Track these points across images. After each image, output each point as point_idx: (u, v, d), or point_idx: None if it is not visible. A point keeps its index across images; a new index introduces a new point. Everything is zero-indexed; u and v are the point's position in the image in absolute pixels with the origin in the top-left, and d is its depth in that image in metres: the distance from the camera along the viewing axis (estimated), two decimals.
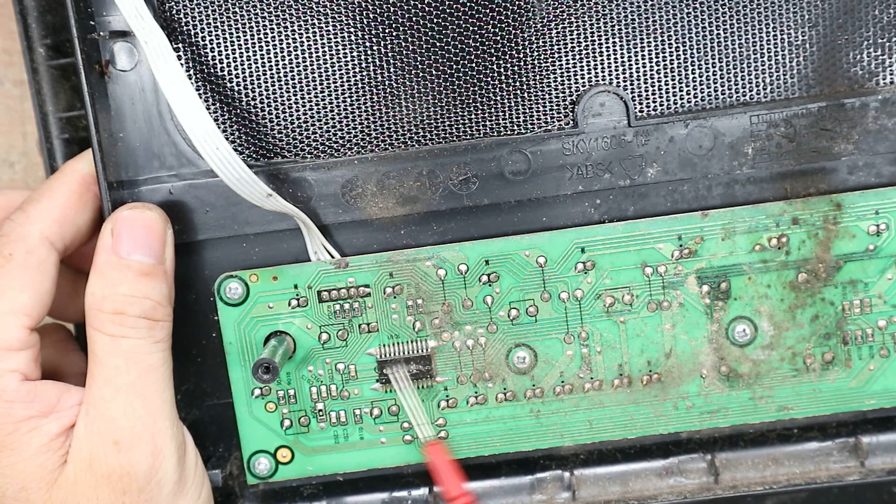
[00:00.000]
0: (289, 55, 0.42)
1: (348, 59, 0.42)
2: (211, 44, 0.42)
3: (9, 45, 0.54)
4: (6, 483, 0.38)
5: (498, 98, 0.42)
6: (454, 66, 0.42)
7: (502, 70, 0.42)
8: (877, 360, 0.43)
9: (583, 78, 0.42)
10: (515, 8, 0.42)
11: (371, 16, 0.42)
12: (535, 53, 0.42)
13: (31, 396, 0.38)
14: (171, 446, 0.39)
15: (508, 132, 0.42)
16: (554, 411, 0.43)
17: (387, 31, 0.42)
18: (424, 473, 0.45)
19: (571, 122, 0.42)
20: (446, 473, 0.42)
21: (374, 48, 0.42)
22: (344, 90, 0.42)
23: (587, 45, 0.42)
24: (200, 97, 0.41)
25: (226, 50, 0.42)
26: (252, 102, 0.42)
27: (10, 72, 0.54)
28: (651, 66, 0.42)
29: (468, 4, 0.41)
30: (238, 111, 0.42)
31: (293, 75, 0.42)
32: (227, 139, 0.40)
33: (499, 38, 0.42)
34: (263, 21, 0.42)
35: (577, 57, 0.42)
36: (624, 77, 0.42)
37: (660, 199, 0.42)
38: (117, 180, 0.42)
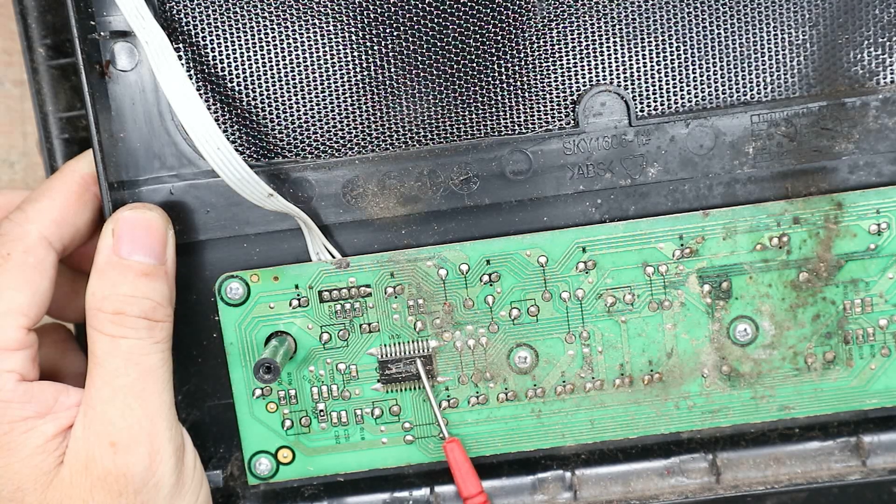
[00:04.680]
0: (289, 55, 0.42)
1: (349, 58, 0.42)
2: (211, 44, 0.42)
3: (9, 45, 0.54)
4: (1, 484, 0.38)
5: (499, 98, 0.42)
6: (455, 66, 0.42)
7: (503, 70, 0.42)
8: (878, 360, 0.43)
9: (583, 77, 0.42)
10: (516, 7, 0.41)
11: (372, 15, 0.42)
12: (536, 53, 0.42)
13: (28, 397, 0.38)
14: (168, 448, 0.39)
15: (509, 132, 0.42)
16: (555, 411, 0.43)
17: (387, 30, 0.42)
18: (426, 473, 0.45)
19: (572, 122, 0.42)
20: (463, 472, 0.42)
21: (375, 48, 0.42)
22: (345, 90, 0.42)
23: (588, 45, 0.42)
24: (201, 97, 0.41)
25: (226, 50, 0.42)
26: (253, 102, 0.42)
27: (10, 72, 0.54)
28: (652, 66, 0.42)
29: (469, 4, 0.41)
30: (239, 111, 0.42)
31: (294, 75, 0.42)
32: (227, 139, 0.40)
33: (499, 37, 0.42)
34: (264, 21, 0.42)
35: (578, 56, 0.42)
36: (625, 77, 0.42)
37: (661, 198, 0.42)
38: (118, 180, 0.42)
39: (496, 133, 0.42)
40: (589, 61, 0.42)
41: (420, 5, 0.41)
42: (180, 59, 0.42)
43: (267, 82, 0.42)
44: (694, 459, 0.44)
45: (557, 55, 0.42)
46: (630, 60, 0.42)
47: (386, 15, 0.42)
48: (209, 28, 0.42)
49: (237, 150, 0.42)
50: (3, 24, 0.54)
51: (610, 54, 0.42)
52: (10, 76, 0.55)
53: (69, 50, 0.42)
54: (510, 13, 0.42)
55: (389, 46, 0.42)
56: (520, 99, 0.42)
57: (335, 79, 0.42)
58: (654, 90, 0.42)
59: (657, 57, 0.42)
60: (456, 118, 0.42)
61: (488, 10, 0.41)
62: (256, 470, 0.44)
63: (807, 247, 0.42)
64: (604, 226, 0.42)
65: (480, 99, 0.42)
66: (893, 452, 0.44)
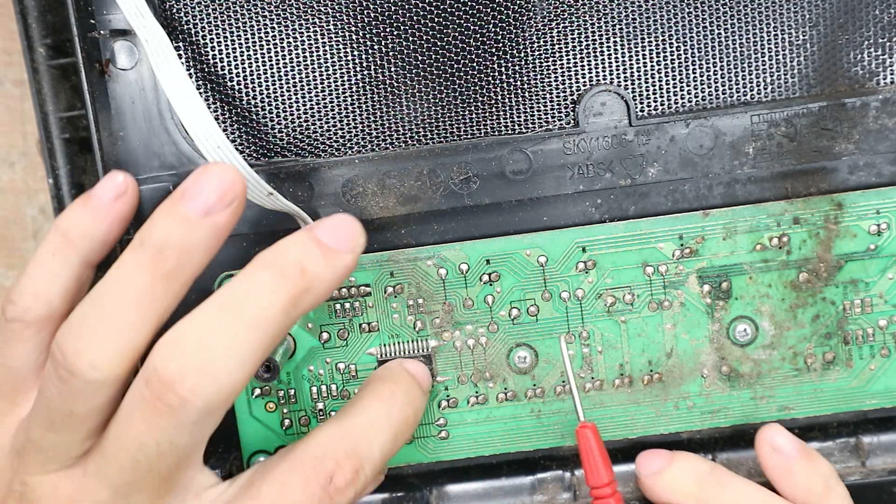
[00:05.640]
0: (290, 54, 0.42)
1: (349, 57, 0.42)
2: (212, 42, 0.42)
3: (9, 45, 0.54)
4: None
5: (499, 97, 0.42)
6: (455, 65, 0.42)
7: (503, 69, 0.42)
8: (878, 360, 0.43)
9: (584, 77, 0.42)
10: (516, 7, 0.42)
11: (372, 14, 0.42)
12: (537, 53, 0.42)
13: None
14: None
15: (509, 131, 0.42)
16: (555, 411, 0.43)
17: (388, 29, 0.42)
18: (424, 473, 0.45)
19: (572, 122, 0.42)
20: (594, 460, 0.40)
21: (375, 47, 0.42)
22: (345, 89, 0.42)
23: (588, 45, 0.42)
24: (201, 96, 0.41)
25: (226, 48, 0.42)
26: (253, 101, 0.42)
27: (10, 72, 0.54)
28: (652, 66, 0.42)
29: (469, 3, 0.41)
30: (239, 110, 0.42)
31: (294, 74, 0.42)
32: (227, 138, 0.40)
33: (500, 37, 0.42)
34: (264, 20, 0.42)
35: (579, 56, 0.42)
36: (625, 76, 0.42)
37: (661, 198, 0.42)
38: None
39: (496, 133, 0.42)
40: (589, 61, 0.42)
41: (420, 4, 0.41)
42: (180, 58, 0.42)
43: (267, 81, 0.42)
44: None
45: (558, 55, 0.42)
46: (630, 60, 0.42)
47: (386, 14, 0.42)
48: (209, 27, 0.42)
49: (237, 148, 0.42)
50: (3, 24, 0.54)
51: (610, 54, 0.42)
52: (10, 76, 0.55)
53: (69, 50, 0.42)
54: (510, 13, 0.42)
55: (389, 45, 0.42)
56: (520, 98, 0.42)
57: (335, 78, 0.42)
58: (655, 90, 0.42)
59: (657, 57, 0.42)
60: (456, 118, 0.42)
61: (488, 10, 0.42)
62: None
63: (807, 247, 0.42)
64: (604, 226, 0.42)
65: (480, 98, 0.42)
66: (893, 453, 0.44)
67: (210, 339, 0.33)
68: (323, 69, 0.42)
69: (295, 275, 0.34)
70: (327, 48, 0.42)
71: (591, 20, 0.42)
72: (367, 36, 0.42)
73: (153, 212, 0.35)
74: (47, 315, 0.38)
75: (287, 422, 0.43)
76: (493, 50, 0.42)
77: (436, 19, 0.42)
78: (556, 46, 0.42)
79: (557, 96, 0.42)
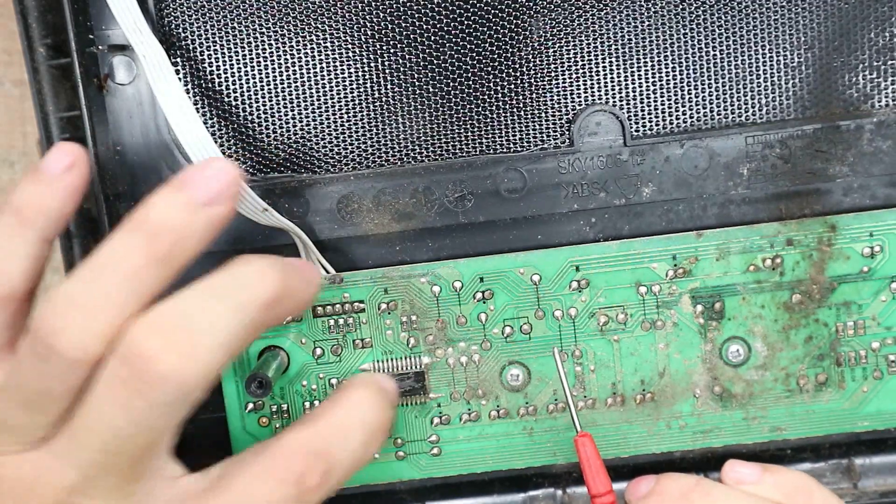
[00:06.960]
0: (287, 71, 0.42)
1: (346, 74, 0.42)
2: (209, 58, 0.42)
3: (9, 45, 0.54)
4: None
5: (494, 116, 0.42)
6: (451, 84, 0.42)
7: (499, 88, 0.42)
8: (870, 382, 0.43)
9: (579, 97, 0.42)
10: (513, 26, 0.42)
11: (369, 32, 0.42)
12: (532, 72, 0.42)
13: None
14: None
15: (504, 150, 0.42)
16: (547, 429, 0.43)
17: (384, 47, 0.42)
18: (416, 490, 0.45)
19: (567, 141, 0.42)
20: (594, 468, 0.40)
21: (372, 65, 0.42)
22: (341, 106, 0.42)
23: (584, 65, 0.42)
24: (198, 111, 0.42)
25: (224, 65, 0.42)
26: (249, 117, 0.42)
27: (10, 72, 0.55)
28: (647, 86, 0.42)
29: (465, 23, 0.41)
30: (235, 126, 0.42)
31: (291, 91, 0.42)
32: (223, 153, 0.40)
33: (496, 56, 0.42)
34: (262, 37, 0.42)
35: (574, 76, 0.42)
36: (620, 96, 0.42)
37: (655, 218, 0.43)
38: (114, 193, 0.42)
39: (491, 151, 0.42)
40: (584, 81, 0.42)
41: (417, 23, 0.42)
42: (178, 74, 0.42)
43: (264, 97, 0.42)
44: None
45: (553, 74, 0.42)
46: (625, 80, 0.42)
47: (383, 31, 0.42)
48: (207, 43, 0.42)
49: None
50: (3, 24, 0.54)
51: (605, 74, 0.42)
52: (10, 76, 0.55)
53: (69, 50, 0.42)
54: (507, 32, 0.42)
55: (386, 63, 0.42)
56: (515, 117, 0.42)
57: (332, 94, 0.42)
58: (650, 110, 0.42)
59: (652, 77, 0.42)
60: (451, 135, 0.42)
61: (485, 29, 0.42)
62: None
63: (800, 269, 0.42)
64: (597, 245, 0.42)
65: (476, 117, 0.42)
66: (885, 475, 0.44)
67: (193, 319, 0.33)
68: (319, 86, 0.42)
69: (277, 276, 0.35)
70: (324, 65, 0.42)
71: (587, 40, 0.42)
72: (364, 53, 0.42)
73: (148, 197, 0.34)
74: (8, 294, 0.37)
75: None
76: (489, 69, 0.42)
77: (432, 38, 0.42)
78: (552, 66, 0.42)
79: (552, 115, 0.42)
